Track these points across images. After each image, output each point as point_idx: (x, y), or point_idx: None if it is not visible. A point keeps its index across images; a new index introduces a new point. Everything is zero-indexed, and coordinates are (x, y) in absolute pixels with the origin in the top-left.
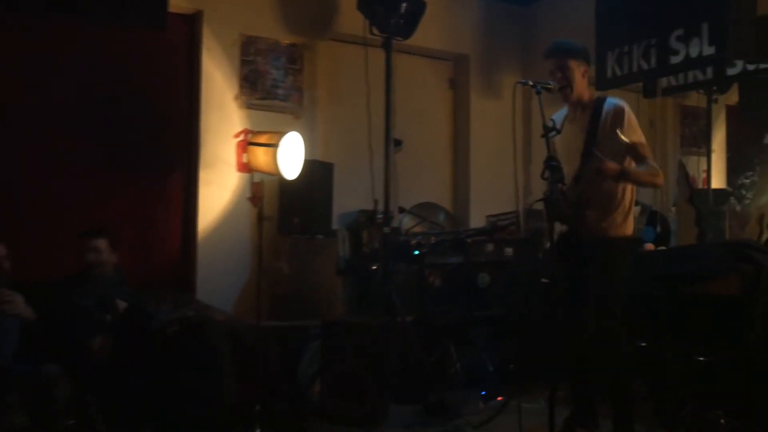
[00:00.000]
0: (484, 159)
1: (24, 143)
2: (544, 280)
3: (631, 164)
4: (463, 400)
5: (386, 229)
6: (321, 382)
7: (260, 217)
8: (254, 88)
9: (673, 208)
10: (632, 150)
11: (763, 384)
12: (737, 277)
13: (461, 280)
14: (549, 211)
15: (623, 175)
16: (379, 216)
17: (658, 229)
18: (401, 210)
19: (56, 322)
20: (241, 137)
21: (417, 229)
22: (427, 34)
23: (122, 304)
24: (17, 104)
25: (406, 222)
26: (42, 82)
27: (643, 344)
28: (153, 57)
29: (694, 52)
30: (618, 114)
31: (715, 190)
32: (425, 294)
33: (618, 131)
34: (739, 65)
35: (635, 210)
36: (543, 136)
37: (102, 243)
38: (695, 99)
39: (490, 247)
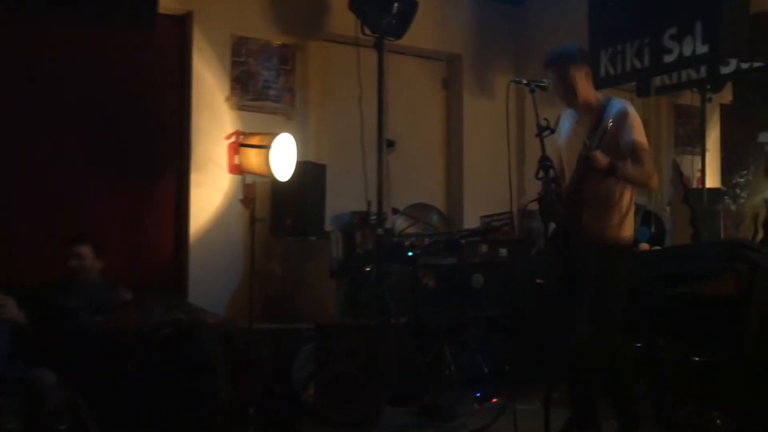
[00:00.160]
0: (477, 159)
1: (11, 146)
2: (538, 280)
3: (627, 164)
4: (458, 401)
5: (379, 231)
6: (315, 385)
7: (252, 219)
8: (246, 89)
9: (668, 208)
10: (630, 148)
11: (760, 384)
12: (732, 277)
13: (455, 281)
14: (543, 211)
15: (613, 169)
16: (373, 217)
17: (653, 229)
18: (394, 211)
19: (45, 326)
20: (233, 139)
21: (410, 230)
22: (420, 34)
23: (128, 294)
24: (3, 106)
25: (400, 223)
26: (29, 83)
27: (639, 345)
28: (143, 58)
29: (687, 51)
30: (621, 114)
31: (710, 190)
32: (419, 295)
33: (610, 122)
34: (733, 64)
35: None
36: (537, 135)
37: (85, 249)
38: (689, 98)
39: (484, 247)
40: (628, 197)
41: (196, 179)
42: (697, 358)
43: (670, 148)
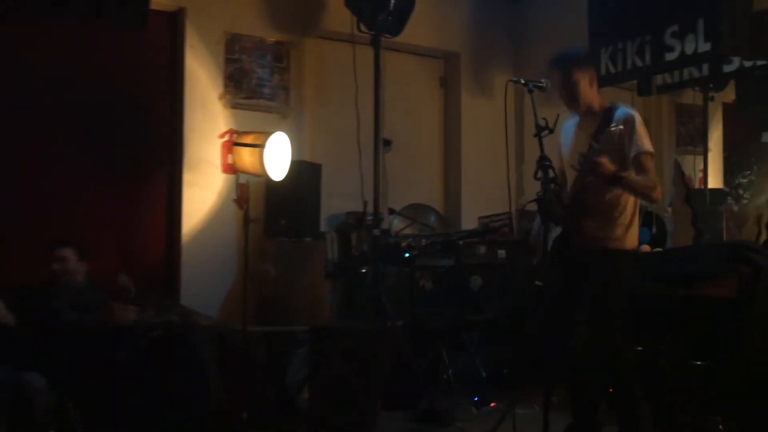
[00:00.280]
0: (475, 159)
1: (1, 144)
2: (537, 283)
3: (631, 174)
4: (456, 405)
5: (376, 231)
6: (309, 388)
7: (246, 219)
8: (239, 87)
9: (669, 209)
10: (638, 158)
11: (762, 387)
12: (735, 279)
13: (453, 283)
14: (542, 211)
15: (618, 178)
16: (369, 218)
17: (654, 230)
18: (391, 211)
19: (29, 327)
20: (226, 137)
21: (407, 231)
22: (417, 31)
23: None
24: None
25: (396, 224)
26: (19, 81)
27: (639, 348)
28: (135, 55)
29: (689, 49)
30: (628, 122)
31: (712, 190)
32: (416, 297)
33: (613, 126)
34: (736, 62)
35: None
36: (536, 135)
37: (68, 253)
38: (691, 97)
39: (482, 249)
40: (632, 206)
41: (188, 179)
42: (698, 362)
43: (671, 148)
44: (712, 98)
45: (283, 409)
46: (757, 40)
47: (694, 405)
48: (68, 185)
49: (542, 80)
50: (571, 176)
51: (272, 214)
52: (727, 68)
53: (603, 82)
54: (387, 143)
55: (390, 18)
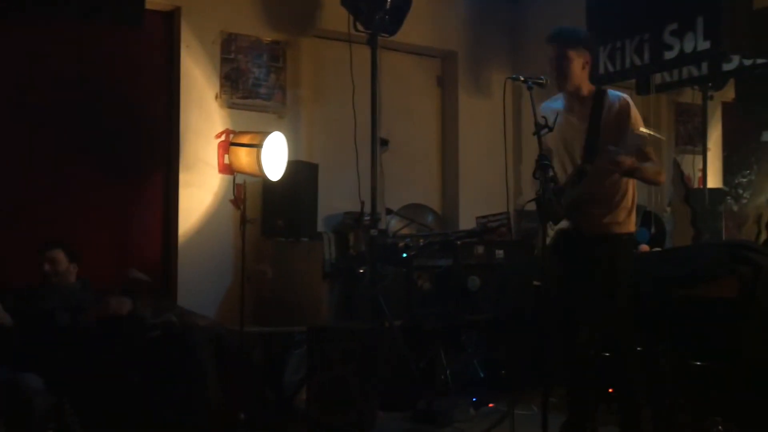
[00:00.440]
0: (473, 158)
1: None
2: (536, 282)
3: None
4: (453, 406)
5: (373, 232)
6: (307, 389)
7: (243, 220)
8: (236, 86)
9: (668, 209)
10: (638, 143)
11: (762, 388)
12: (734, 279)
13: (451, 284)
14: (541, 211)
15: (636, 171)
16: (366, 218)
17: (653, 230)
18: (388, 211)
19: (23, 328)
20: (223, 138)
21: (405, 231)
22: (414, 30)
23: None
24: None
25: (394, 224)
26: (13, 80)
27: (639, 349)
28: (130, 55)
29: (688, 47)
30: (623, 108)
31: (711, 190)
32: (414, 298)
33: (633, 127)
34: (736, 60)
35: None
36: (535, 133)
37: (58, 254)
38: (690, 96)
39: (480, 249)
40: (632, 191)
41: (185, 179)
42: (698, 363)
43: (670, 147)
44: (712, 97)
45: (281, 410)
46: (757, 38)
47: (694, 406)
48: (63, 185)
49: (541, 77)
50: (558, 159)
51: (269, 215)
52: (727, 67)
53: (601, 80)
54: (384, 143)
55: (387, 17)
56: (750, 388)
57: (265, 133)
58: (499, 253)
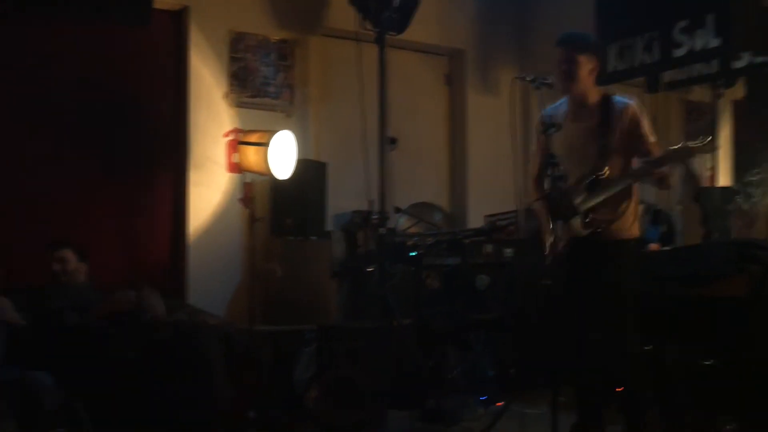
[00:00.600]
0: (481, 157)
1: (3, 146)
2: (546, 282)
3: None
4: (462, 405)
5: (382, 230)
6: (316, 388)
7: (252, 219)
8: (244, 85)
9: (678, 207)
10: (649, 150)
11: None
12: (744, 278)
13: (459, 282)
14: (550, 208)
15: (663, 180)
16: (375, 216)
17: (663, 228)
18: (397, 210)
19: (34, 327)
20: (231, 136)
21: (413, 230)
22: (422, 28)
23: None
24: None
25: (402, 222)
26: (23, 81)
27: (647, 347)
28: (139, 55)
29: (698, 45)
30: (634, 115)
31: (722, 188)
32: (422, 296)
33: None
34: (746, 58)
35: (639, 209)
36: (543, 132)
37: (67, 253)
38: (700, 93)
39: (488, 247)
40: (636, 195)
41: (194, 178)
42: (707, 362)
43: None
44: (722, 95)
45: (290, 409)
46: None
47: (703, 405)
48: (73, 185)
49: (548, 78)
50: (571, 166)
51: (278, 213)
52: (737, 64)
53: (610, 79)
54: (392, 141)
55: (394, 15)
56: (759, 387)
57: (274, 132)
58: (508, 251)
